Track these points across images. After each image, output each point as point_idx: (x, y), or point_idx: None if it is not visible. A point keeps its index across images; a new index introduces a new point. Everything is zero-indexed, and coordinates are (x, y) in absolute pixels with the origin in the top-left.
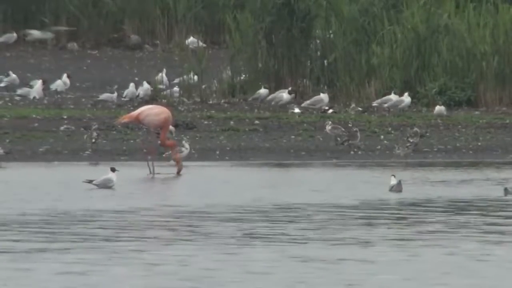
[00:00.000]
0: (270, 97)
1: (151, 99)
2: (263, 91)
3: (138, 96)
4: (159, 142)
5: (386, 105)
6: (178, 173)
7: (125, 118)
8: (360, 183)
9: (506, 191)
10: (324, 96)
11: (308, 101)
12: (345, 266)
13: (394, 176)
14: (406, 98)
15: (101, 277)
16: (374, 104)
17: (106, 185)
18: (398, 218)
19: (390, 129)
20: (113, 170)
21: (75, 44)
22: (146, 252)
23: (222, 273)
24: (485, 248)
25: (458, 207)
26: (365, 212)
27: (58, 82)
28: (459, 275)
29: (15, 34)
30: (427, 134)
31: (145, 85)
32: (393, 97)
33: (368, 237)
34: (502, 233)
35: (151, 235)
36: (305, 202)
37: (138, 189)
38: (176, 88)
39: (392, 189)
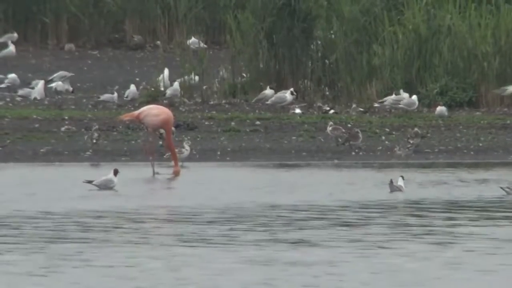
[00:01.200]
0: (273, 98)
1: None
2: (268, 91)
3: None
4: (160, 143)
5: (401, 105)
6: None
7: (126, 116)
8: (358, 183)
9: (505, 191)
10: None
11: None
12: (307, 268)
13: (403, 178)
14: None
15: (52, 279)
16: (384, 103)
17: (107, 186)
18: (375, 219)
19: (391, 129)
20: (115, 173)
21: (74, 45)
22: (98, 255)
23: (181, 274)
24: (430, 250)
25: (450, 207)
26: (352, 213)
27: (59, 82)
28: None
29: (15, 34)
30: (428, 134)
31: (175, 84)
32: (399, 96)
33: (337, 238)
34: (455, 235)
35: (115, 237)
36: (290, 203)
37: (134, 189)
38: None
39: (391, 189)
